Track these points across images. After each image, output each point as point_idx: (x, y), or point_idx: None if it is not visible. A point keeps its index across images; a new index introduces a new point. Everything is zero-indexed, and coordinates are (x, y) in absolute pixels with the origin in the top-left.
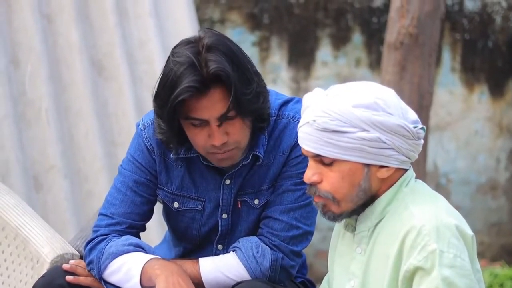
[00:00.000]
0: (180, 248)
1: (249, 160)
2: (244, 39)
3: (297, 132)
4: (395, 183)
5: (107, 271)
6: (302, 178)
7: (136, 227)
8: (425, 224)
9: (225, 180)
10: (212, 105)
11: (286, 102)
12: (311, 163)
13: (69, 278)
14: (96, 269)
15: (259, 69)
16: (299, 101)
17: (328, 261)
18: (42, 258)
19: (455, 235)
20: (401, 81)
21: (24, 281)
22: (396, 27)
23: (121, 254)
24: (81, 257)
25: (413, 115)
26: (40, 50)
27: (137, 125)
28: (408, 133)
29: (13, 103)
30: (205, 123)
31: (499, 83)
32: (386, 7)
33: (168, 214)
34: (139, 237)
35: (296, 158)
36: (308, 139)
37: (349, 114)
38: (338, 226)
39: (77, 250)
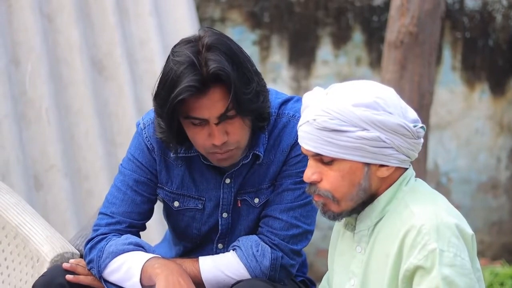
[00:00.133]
0: (180, 247)
1: (249, 159)
2: (244, 38)
3: (297, 131)
4: (395, 182)
5: (107, 270)
6: (302, 177)
7: (136, 226)
8: (425, 223)
9: (225, 179)
10: (212, 105)
11: (286, 101)
12: (310, 162)
13: (69, 277)
14: (96, 268)
15: (259, 68)
16: (299, 100)
17: (328, 260)
18: (42, 257)
19: (455, 234)
20: (401, 80)
21: (24, 280)
22: (397, 26)
23: (121, 253)
24: (81, 256)
25: (413, 114)
26: (40, 50)
27: (137, 124)
28: (408, 132)
29: (13, 102)
30: (205, 122)
31: (500, 82)
32: (386, 6)
33: (168, 213)
34: (139, 236)
35: (296, 157)
36: (308, 138)
37: (349, 113)
38: (338, 225)
39: (77, 249)
